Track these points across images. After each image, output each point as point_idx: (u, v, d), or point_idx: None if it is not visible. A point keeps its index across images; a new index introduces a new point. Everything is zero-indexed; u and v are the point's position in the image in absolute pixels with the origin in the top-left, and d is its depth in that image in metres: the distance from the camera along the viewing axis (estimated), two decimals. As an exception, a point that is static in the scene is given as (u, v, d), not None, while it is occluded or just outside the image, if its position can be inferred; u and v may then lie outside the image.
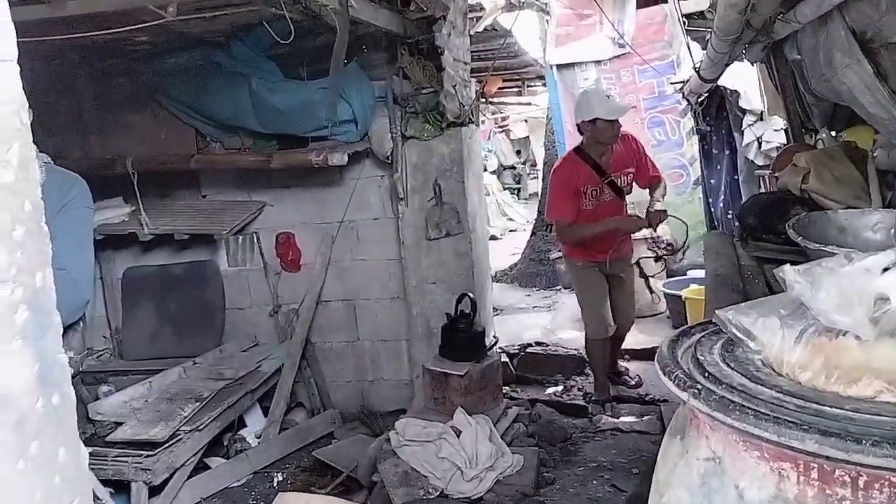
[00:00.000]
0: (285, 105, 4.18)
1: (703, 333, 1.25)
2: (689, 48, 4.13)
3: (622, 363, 4.88)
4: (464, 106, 4.10)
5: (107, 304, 5.07)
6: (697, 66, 4.03)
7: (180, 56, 4.36)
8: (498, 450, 3.37)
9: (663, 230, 5.37)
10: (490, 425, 3.51)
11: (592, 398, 4.49)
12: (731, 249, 2.52)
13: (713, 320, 1.18)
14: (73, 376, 2.21)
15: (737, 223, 2.69)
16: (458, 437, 3.37)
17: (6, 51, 0.89)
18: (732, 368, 1.08)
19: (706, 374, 1.06)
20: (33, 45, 3.20)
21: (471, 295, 3.79)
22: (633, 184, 4.23)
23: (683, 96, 4.95)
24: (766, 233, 2.47)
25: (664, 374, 1.10)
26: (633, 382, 4.65)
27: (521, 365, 5.17)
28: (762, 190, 3.58)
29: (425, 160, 4.26)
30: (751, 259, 2.32)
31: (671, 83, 5.38)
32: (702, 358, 1.13)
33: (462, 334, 3.72)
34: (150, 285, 4.94)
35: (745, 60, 3.50)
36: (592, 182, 4.00)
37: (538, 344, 5.40)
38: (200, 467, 3.92)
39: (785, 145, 4.39)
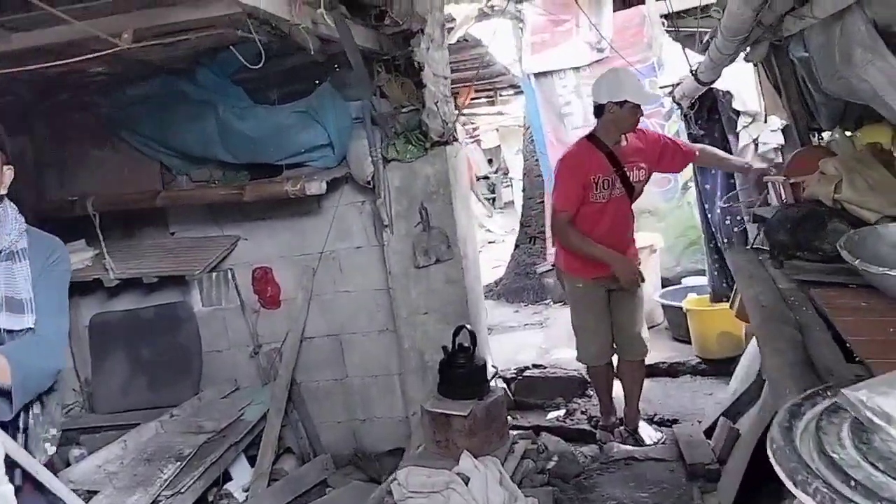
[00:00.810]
0: (255, 132, 3.90)
1: (816, 409, 1.00)
2: (684, 50, 3.91)
3: (644, 423, 4.14)
4: (447, 123, 3.85)
5: (74, 355, 4.72)
6: (694, 68, 3.81)
7: (140, 86, 4.07)
8: (511, 495, 3.10)
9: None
10: (499, 467, 3.24)
11: (599, 423, 4.23)
12: (762, 270, 2.29)
13: (838, 401, 0.93)
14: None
15: (765, 240, 2.46)
16: (467, 484, 3.09)
17: None
18: (882, 471, 0.83)
19: (852, 484, 0.81)
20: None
21: (468, 327, 3.53)
22: (644, 188, 3.86)
23: (674, 100, 4.75)
24: (801, 250, 2.24)
25: (792, 481, 0.84)
26: (651, 444, 3.95)
27: (519, 389, 4.93)
28: (771, 196, 3.37)
29: (409, 183, 3.99)
30: (790, 282, 2.09)
31: (660, 87, 5.19)
32: (834, 455, 0.87)
33: (462, 370, 3.45)
34: (120, 332, 4.61)
35: (748, 60, 3.29)
36: (605, 171, 3.61)
37: (535, 366, 5.15)
38: (186, 530, 3.60)
39: (782, 146, 4.21)
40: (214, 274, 4.54)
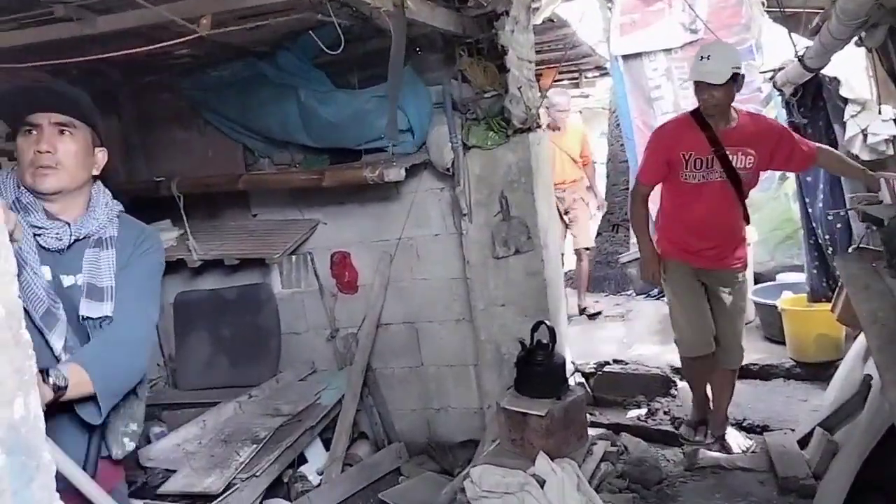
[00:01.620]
0: (336, 117, 3.85)
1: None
2: (789, 34, 3.61)
3: (732, 429, 3.87)
4: (530, 109, 3.70)
5: (159, 330, 4.85)
6: (800, 52, 3.52)
7: (224, 68, 4.09)
8: (588, 501, 2.97)
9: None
10: (577, 471, 3.11)
11: (684, 420, 4.00)
12: (878, 281, 2.06)
13: None
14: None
15: (877, 242, 2.22)
16: (542, 487, 2.98)
17: None
18: None
19: None
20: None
21: (548, 323, 3.39)
22: (755, 175, 3.47)
23: (775, 86, 4.42)
24: (925, 259, 2.01)
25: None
26: (740, 452, 3.69)
27: (598, 385, 4.75)
28: (884, 193, 3.06)
29: (490, 171, 3.87)
30: (912, 295, 1.87)
31: (760, 71, 4.85)
32: None
33: (540, 368, 3.33)
34: (203, 311, 4.70)
35: (863, 46, 3.00)
36: (700, 150, 3.33)
37: (616, 361, 4.95)
38: (260, 510, 3.64)
39: (895, 138, 3.85)
40: (294, 257, 4.56)
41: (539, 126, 3.90)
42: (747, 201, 3.51)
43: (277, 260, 4.25)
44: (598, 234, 7.85)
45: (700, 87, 3.26)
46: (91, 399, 1.68)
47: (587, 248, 6.31)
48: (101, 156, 1.89)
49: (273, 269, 4.65)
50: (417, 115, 3.85)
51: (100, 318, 1.80)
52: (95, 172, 1.87)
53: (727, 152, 3.33)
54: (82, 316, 1.79)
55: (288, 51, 3.77)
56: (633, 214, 3.69)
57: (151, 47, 2.58)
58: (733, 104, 3.36)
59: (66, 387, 1.57)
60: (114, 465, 1.88)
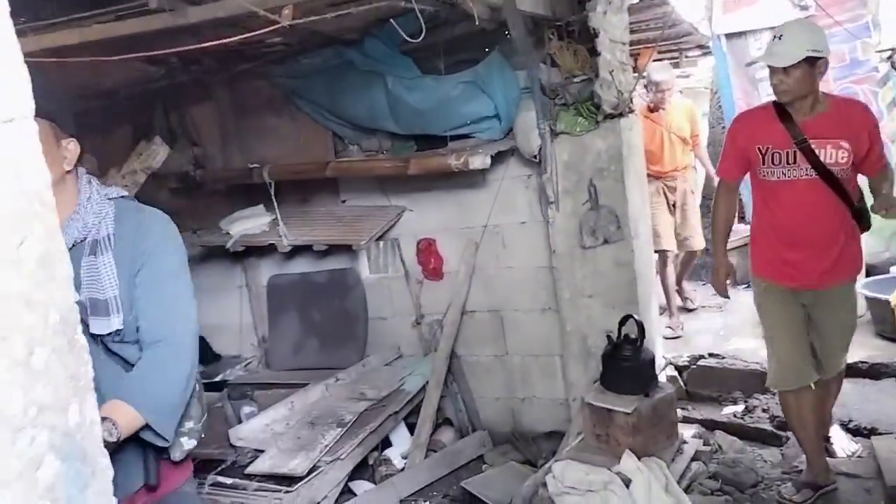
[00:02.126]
0: (423, 104, 3.83)
1: None
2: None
3: (838, 428, 3.58)
4: (622, 94, 3.54)
5: (253, 311, 5.02)
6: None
7: (314, 56, 4.14)
8: (677, 503, 2.86)
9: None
10: (665, 471, 3.00)
11: (792, 479, 3.34)
12: None
13: None
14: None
15: None
16: (628, 487, 2.89)
17: (16, 108, 0.64)
18: None
19: None
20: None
21: (636, 317, 3.27)
22: (853, 170, 2.94)
23: (893, 66, 4.07)
24: None
25: None
26: (845, 457, 3.42)
27: (691, 379, 4.57)
28: None
29: (578, 158, 3.75)
30: None
31: (876, 50, 4.48)
32: None
33: (627, 363, 3.22)
34: (294, 294, 4.83)
35: None
36: (779, 143, 2.88)
37: (711, 355, 4.74)
38: (345, 491, 3.71)
39: None
40: (381, 243, 4.59)
41: (631, 111, 3.74)
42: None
43: (364, 246, 4.29)
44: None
45: (771, 70, 2.85)
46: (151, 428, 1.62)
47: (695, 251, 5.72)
48: (73, 146, 1.69)
49: (361, 255, 4.70)
50: (504, 100, 3.77)
51: (110, 333, 1.66)
52: (68, 167, 1.67)
53: (812, 145, 2.85)
54: (94, 334, 1.65)
55: (375, 38, 3.77)
56: (716, 209, 3.23)
57: (241, 37, 2.63)
58: (827, 91, 2.93)
59: (118, 439, 1.51)
60: (176, 466, 1.81)
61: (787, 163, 2.89)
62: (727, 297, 3.40)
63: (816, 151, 2.85)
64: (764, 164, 2.94)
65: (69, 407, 0.65)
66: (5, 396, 0.58)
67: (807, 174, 2.88)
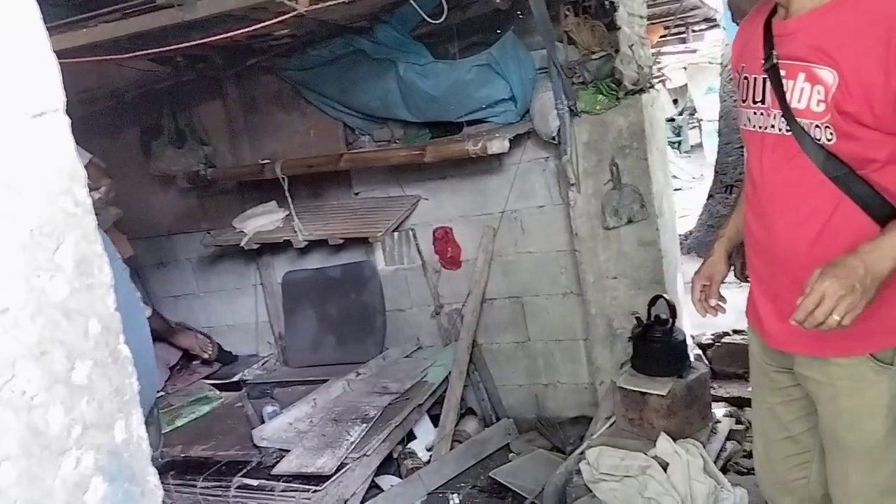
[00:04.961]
0: (437, 90, 3.75)
1: None
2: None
3: None
4: (643, 68, 3.46)
5: (269, 309, 4.96)
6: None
7: (323, 47, 4.04)
8: (716, 485, 2.79)
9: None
10: (702, 452, 2.94)
11: None
12: None
13: None
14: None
15: None
16: (665, 470, 2.83)
17: (46, 102, 0.61)
18: None
19: None
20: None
21: (666, 297, 3.20)
22: (841, 123, 1.50)
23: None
24: None
25: None
26: None
27: (716, 357, 4.49)
28: None
29: (599, 137, 3.66)
30: None
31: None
32: None
33: (658, 345, 3.14)
34: (309, 290, 4.77)
35: None
36: (751, 62, 1.71)
37: (735, 332, 4.66)
38: (371, 486, 3.67)
39: None
40: (396, 234, 4.52)
41: (652, 86, 3.65)
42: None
43: (380, 238, 4.23)
44: (710, 196, 7.45)
45: None
46: None
47: None
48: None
49: (376, 247, 4.63)
50: (520, 82, 3.68)
51: None
52: None
53: (781, 71, 1.60)
54: None
55: (386, 24, 3.69)
56: None
57: (252, 28, 2.55)
58: None
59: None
60: None
61: (754, 100, 1.70)
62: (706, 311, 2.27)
63: (784, 85, 1.60)
64: (740, 95, 1.79)
65: (115, 424, 0.60)
66: (46, 416, 0.52)
67: (778, 128, 1.62)
